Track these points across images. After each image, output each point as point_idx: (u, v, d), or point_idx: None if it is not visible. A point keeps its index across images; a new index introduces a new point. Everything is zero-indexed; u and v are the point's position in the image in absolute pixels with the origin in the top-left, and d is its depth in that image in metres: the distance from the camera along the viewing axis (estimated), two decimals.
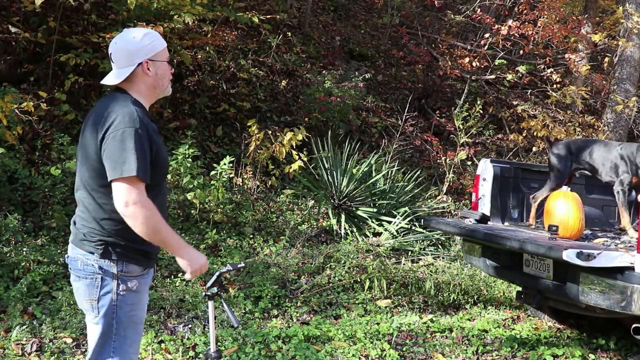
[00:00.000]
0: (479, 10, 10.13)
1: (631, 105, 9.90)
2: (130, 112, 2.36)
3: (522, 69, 10.63)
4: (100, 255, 2.39)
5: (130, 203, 2.27)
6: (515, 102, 11.24)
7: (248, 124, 7.03)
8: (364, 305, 5.38)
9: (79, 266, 2.43)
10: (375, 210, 7.12)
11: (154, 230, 2.32)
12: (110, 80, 2.50)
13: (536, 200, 4.87)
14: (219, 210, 6.37)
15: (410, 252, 6.68)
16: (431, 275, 5.89)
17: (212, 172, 6.51)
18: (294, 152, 6.84)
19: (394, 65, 11.39)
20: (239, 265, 2.88)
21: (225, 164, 6.48)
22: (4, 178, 5.68)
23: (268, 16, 8.13)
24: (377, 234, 6.97)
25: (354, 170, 7.26)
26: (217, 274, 2.76)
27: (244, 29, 9.71)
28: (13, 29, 6.89)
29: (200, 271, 2.48)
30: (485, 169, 5.03)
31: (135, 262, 2.45)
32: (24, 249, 5.03)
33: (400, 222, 6.93)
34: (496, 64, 10.44)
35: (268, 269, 5.64)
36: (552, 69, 10.52)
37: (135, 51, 2.45)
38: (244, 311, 4.94)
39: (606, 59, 10.72)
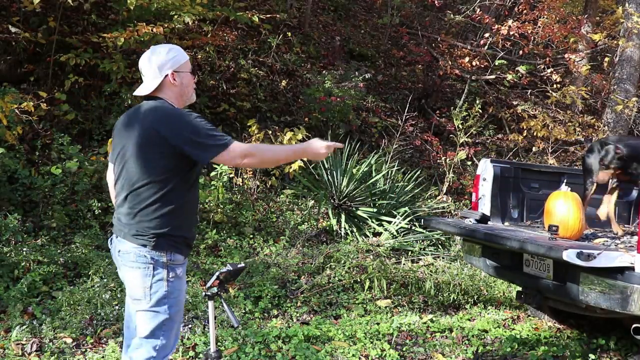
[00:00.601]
0: (479, 10, 10.13)
1: (631, 105, 9.90)
2: (179, 109, 2.75)
3: (522, 69, 10.63)
4: (153, 247, 2.66)
5: (243, 159, 2.66)
6: (515, 102, 11.24)
7: (248, 124, 7.04)
8: (364, 305, 5.38)
9: (132, 258, 2.68)
10: (375, 210, 7.12)
11: (273, 160, 2.87)
12: (142, 91, 2.79)
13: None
14: (219, 210, 6.37)
15: (410, 252, 6.68)
16: (431, 275, 5.89)
17: (213, 173, 6.51)
18: None
19: (394, 65, 11.40)
20: (239, 266, 2.89)
21: (225, 164, 6.47)
22: (4, 178, 5.68)
23: (268, 15, 8.13)
24: (377, 234, 6.97)
25: (354, 170, 7.26)
26: (217, 273, 2.79)
27: (244, 29, 9.71)
28: (13, 29, 6.90)
29: (324, 148, 2.79)
30: (485, 169, 5.03)
31: (179, 251, 2.73)
32: (24, 249, 5.03)
33: (400, 222, 6.93)
34: (496, 64, 10.44)
35: (268, 269, 5.64)
36: (552, 69, 10.53)
37: (162, 64, 2.76)
38: (244, 311, 4.94)
39: (606, 59, 10.72)
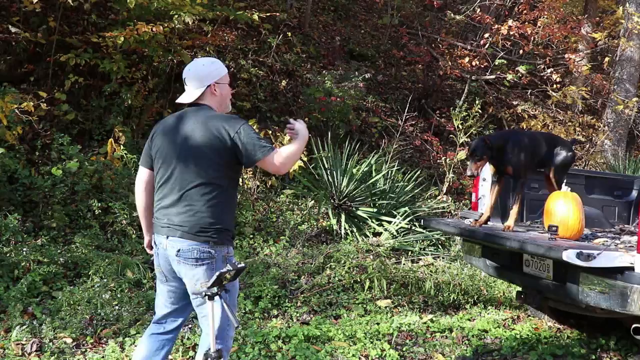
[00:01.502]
0: (479, 10, 10.13)
1: (631, 105, 9.90)
2: (234, 115, 3.01)
3: (522, 69, 10.63)
4: (215, 243, 2.87)
5: (280, 166, 2.88)
6: (515, 102, 11.24)
7: None
8: (364, 305, 5.38)
9: (195, 255, 2.85)
10: (375, 210, 7.12)
11: (294, 162, 3.00)
12: (185, 99, 3.03)
13: None
14: None
15: (410, 252, 6.68)
16: (431, 275, 5.89)
17: None
18: None
19: (394, 65, 11.39)
20: (239, 266, 2.90)
21: None
22: (4, 178, 5.68)
23: (268, 14, 8.12)
24: (377, 234, 6.97)
25: (354, 170, 7.26)
26: (217, 273, 2.80)
27: (244, 29, 9.71)
28: (13, 29, 6.90)
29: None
30: (485, 168, 5.03)
31: (230, 244, 2.98)
32: (24, 249, 5.03)
33: (400, 222, 6.93)
34: (496, 64, 10.44)
35: (268, 269, 5.64)
36: (552, 69, 10.53)
37: (205, 76, 3.01)
38: (244, 311, 4.94)
39: (606, 59, 10.72)
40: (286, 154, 2.91)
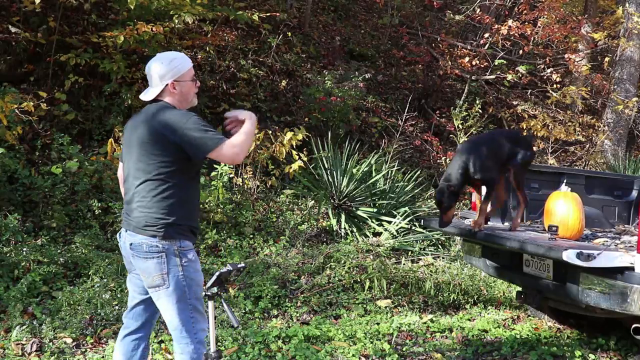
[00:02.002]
0: (479, 10, 10.13)
1: (631, 105, 9.90)
2: (179, 111, 2.98)
3: (522, 69, 10.63)
4: (162, 237, 2.87)
5: (233, 156, 2.89)
6: (515, 102, 11.24)
7: None
8: (364, 305, 5.38)
9: (144, 249, 2.89)
10: (375, 210, 7.12)
11: (247, 148, 2.99)
12: (145, 96, 3.06)
13: None
14: (219, 210, 6.37)
15: (410, 252, 6.68)
16: (431, 275, 5.89)
17: (213, 173, 6.51)
18: (294, 152, 6.84)
19: (394, 65, 11.39)
20: (239, 266, 2.93)
21: (225, 164, 6.48)
22: (4, 178, 5.68)
23: (268, 14, 8.12)
24: (377, 234, 6.97)
25: (354, 170, 7.26)
26: (217, 274, 2.81)
27: (244, 29, 9.72)
28: (13, 29, 6.90)
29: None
30: None
31: (187, 238, 2.96)
32: (24, 249, 5.03)
33: (400, 222, 6.93)
34: (496, 64, 10.44)
35: (268, 269, 5.64)
36: (552, 69, 10.53)
37: (163, 74, 3.00)
38: (244, 311, 4.94)
39: (606, 59, 10.72)
40: (238, 142, 2.93)
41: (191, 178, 3.02)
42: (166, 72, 2.98)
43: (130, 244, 2.93)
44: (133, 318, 3.15)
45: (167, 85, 2.99)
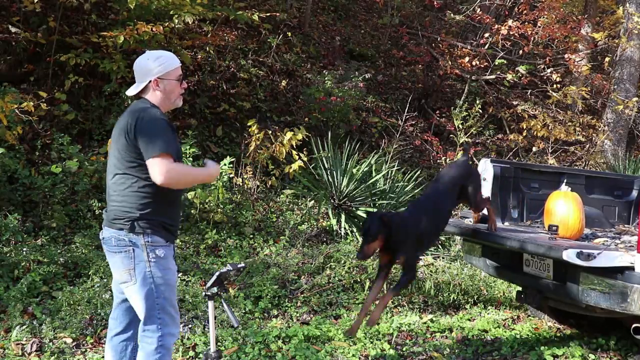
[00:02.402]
0: (479, 10, 10.13)
1: (631, 105, 9.90)
2: (154, 110, 2.96)
3: (522, 69, 10.63)
4: (128, 230, 2.86)
5: (163, 174, 2.78)
6: (515, 102, 11.24)
7: (248, 124, 7.03)
8: None
9: (113, 243, 2.91)
10: (375, 210, 7.11)
11: (184, 182, 2.99)
12: (130, 91, 3.06)
13: None
14: (219, 210, 6.37)
15: None
16: (431, 275, 5.89)
17: None
18: (294, 152, 6.84)
19: (394, 65, 11.39)
20: (239, 266, 2.92)
21: (225, 164, 6.48)
22: (4, 178, 5.68)
23: (268, 14, 8.13)
24: None
25: (354, 170, 7.26)
26: (217, 274, 2.80)
27: (244, 29, 9.72)
28: (13, 29, 6.90)
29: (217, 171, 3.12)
30: (486, 168, 5.03)
31: (157, 233, 2.91)
32: (24, 249, 5.03)
33: None
34: (496, 64, 10.44)
35: (268, 269, 5.64)
36: (552, 69, 10.53)
37: (147, 71, 2.98)
38: (244, 311, 4.94)
39: (606, 59, 10.72)
40: (179, 169, 2.87)
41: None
42: (151, 68, 2.97)
43: (103, 238, 2.98)
44: (117, 319, 3.14)
45: (150, 82, 2.97)
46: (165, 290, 2.92)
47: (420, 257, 3.89)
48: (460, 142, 8.48)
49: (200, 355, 4.12)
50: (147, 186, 2.88)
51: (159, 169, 2.78)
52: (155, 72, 2.96)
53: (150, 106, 2.96)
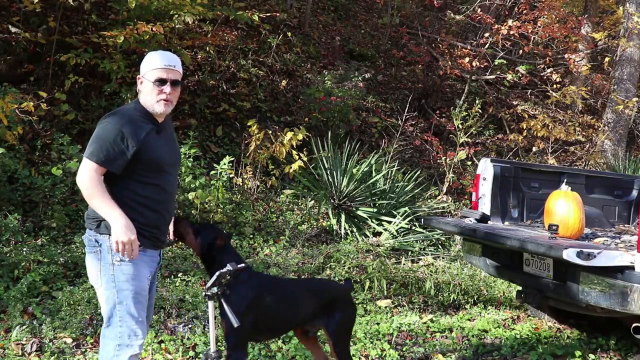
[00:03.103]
0: (479, 10, 10.13)
1: (631, 106, 9.90)
2: (120, 109, 2.90)
3: (522, 69, 10.63)
4: (95, 229, 2.78)
5: (79, 177, 2.73)
6: (515, 102, 11.24)
7: (248, 124, 7.03)
8: (364, 305, 5.38)
9: (86, 242, 2.85)
10: (375, 210, 7.12)
11: (88, 197, 2.71)
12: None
13: None
14: (219, 210, 6.37)
15: (410, 252, 6.68)
16: (431, 275, 5.89)
17: (212, 172, 6.51)
18: (294, 152, 6.84)
19: (394, 65, 11.40)
20: (238, 266, 2.88)
21: (225, 164, 6.48)
22: (4, 178, 5.68)
23: (268, 14, 8.13)
24: (377, 234, 6.97)
25: (354, 170, 7.26)
26: (217, 274, 2.78)
27: (244, 29, 9.72)
28: (13, 29, 6.90)
29: (123, 244, 2.68)
30: (486, 168, 5.03)
31: None
32: (24, 249, 5.03)
33: (400, 222, 6.93)
34: (496, 63, 10.44)
35: (268, 269, 5.64)
36: (552, 69, 10.53)
37: (141, 66, 2.94)
38: None
39: (606, 59, 10.72)
40: (88, 184, 2.70)
41: (134, 180, 2.78)
42: (143, 63, 2.94)
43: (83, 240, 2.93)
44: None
45: (139, 78, 2.93)
46: (127, 297, 2.73)
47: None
48: (460, 142, 8.47)
49: (200, 355, 4.11)
50: (120, 188, 2.76)
51: (80, 169, 2.73)
52: (142, 69, 2.92)
53: (130, 107, 2.91)
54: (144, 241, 2.79)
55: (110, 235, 2.71)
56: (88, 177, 2.70)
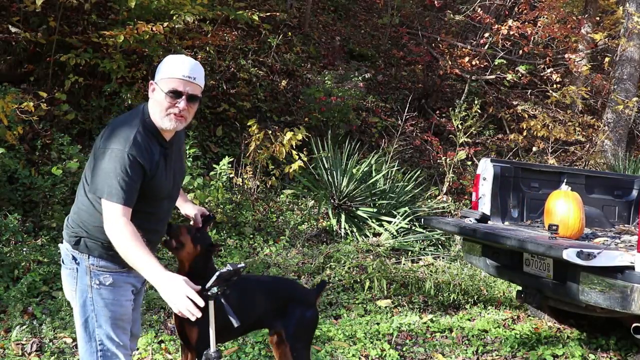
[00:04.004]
0: (479, 10, 10.13)
1: (631, 105, 9.90)
2: (127, 135, 2.37)
3: (522, 69, 10.63)
4: (73, 245, 2.45)
5: (108, 225, 2.30)
6: (515, 102, 11.24)
7: (248, 124, 7.04)
8: (364, 305, 5.38)
9: (62, 255, 2.53)
10: (375, 210, 7.12)
11: (125, 252, 2.29)
12: None
13: None
14: (219, 210, 6.37)
15: (410, 252, 6.68)
16: (431, 275, 5.89)
17: (212, 172, 6.51)
18: (294, 152, 6.84)
19: (394, 65, 11.40)
20: (239, 266, 2.82)
21: (224, 164, 6.48)
22: (4, 178, 5.68)
23: (268, 14, 8.13)
24: (377, 234, 6.97)
25: (354, 170, 7.26)
26: (217, 273, 2.73)
27: (244, 29, 9.72)
28: (13, 29, 6.90)
29: (186, 308, 2.17)
30: (486, 168, 5.03)
31: (110, 258, 2.43)
32: (24, 249, 5.03)
33: (400, 222, 6.93)
34: (496, 63, 10.44)
35: (268, 269, 5.64)
36: (552, 69, 10.53)
37: (156, 70, 2.50)
38: None
39: (606, 59, 10.72)
40: (118, 234, 2.27)
41: (135, 216, 2.36)
42: (156, 68, 2.50)
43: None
44: None
45: (151, 83, 2.49)
46: (106, 323, 2.43)
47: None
48: (460, 142, 8.47)
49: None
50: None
51: (107, 217, 2.30)
52: (156, 75, 2.48)
53: (140, 121, 2.44)
54: (125, 263, 2.44)
55: (90, 255, 2.42)
56: (122, 226, 2.27)
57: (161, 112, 2.43)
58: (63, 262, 2.53)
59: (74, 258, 2.45)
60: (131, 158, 2.32)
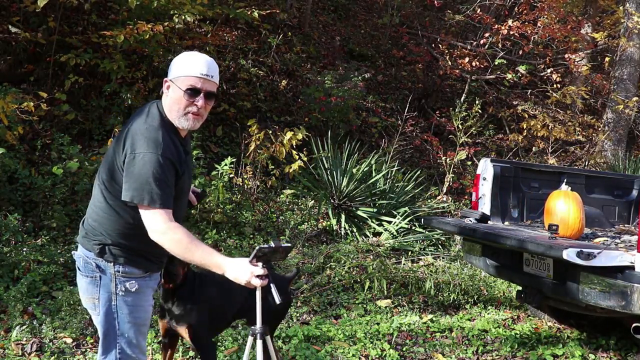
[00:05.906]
0: (479, 10, 10.13)
1: (631, 105, 9.90)
2: (155, 137, 2.34)
3: (522, 69, 10.64)
4: (97, 254, 2.43)
5: (159, 232, 2.31)
6: (515, 102, 11.24)
7: (248, 124, 7.04)
8: (364, 305, 5.38)
9: (81, 264, 2.50)
10: (375, 210, 7.12)
11: (184, 253, 2.34)
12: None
13: None
14: (219, 210, 6.37)
15: (410, 252, 6.68)
16: (431, 275, 5.89)
17: (213, 173, 6.51)
18: (294, 152, 6.84)
19: (394, 65, 11.40)
20: (283, 245, 2.50)
21: (226, 165, 6.48)
22: (4, 178, 5.68)
23: (267, 12, 8.12)
24: (377, 234, 6.97)
25: (354, 170, 7.26)
26: (257, 248, 2.50)
27: (244, 28, 9.72)
28: (13, 29, 6.90)
29: (249, 282, 2.33)
30: (486, 168, 5.03)
31: (134, 264, 2.46)
32: (24, 249, 5.03)
33: (400, 222, 6.93)
34: (496, 63, 10.44)
35: None
36: (552, 69, 10.53)
37: (170, 68, 2.49)
38: None
39: (606, 59, 10.72)
40: (171, 238, 2.30)
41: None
42: (170, 66, 2.48)
43: (74, 254, 2.57)
44: None
45: (165, 81, 2.48)
46: (130, 330, 2.46)
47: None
48: (460, 142, 8.47)
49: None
50: (132, 210, 2.38)
51: (157, 226, 2.32)
52: (171, 73, 2.45)
53: (159, 122, 2.40)
54: (151, 266, 2.54)
55: (115, 262, 2.42)
56: (174, 230, 2.30)
57: (179, 111, 2.42)
58: (80, 270, 2.51)
59: (98, 266, 2.44)
60: (165, 160, 2.31)
